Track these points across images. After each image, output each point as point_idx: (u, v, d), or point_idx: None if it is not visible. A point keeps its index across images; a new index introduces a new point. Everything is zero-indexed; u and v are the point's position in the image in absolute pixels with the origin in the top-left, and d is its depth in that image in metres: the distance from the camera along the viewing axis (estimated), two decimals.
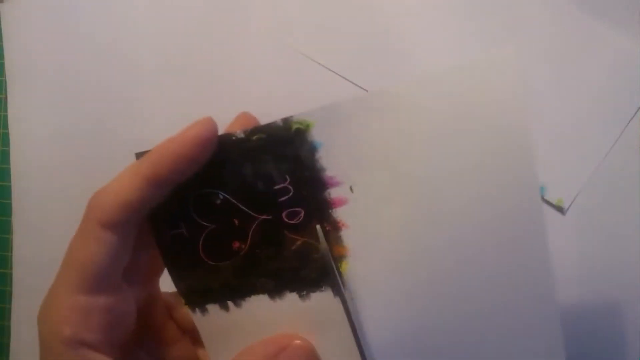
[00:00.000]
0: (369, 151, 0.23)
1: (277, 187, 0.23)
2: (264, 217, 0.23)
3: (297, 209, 0.23)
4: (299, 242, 0.24)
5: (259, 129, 0.22)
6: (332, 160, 0.23)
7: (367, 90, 0.36)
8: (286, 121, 0.22)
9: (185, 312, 0.26)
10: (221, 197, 0.23)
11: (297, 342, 0.23)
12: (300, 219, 0.23)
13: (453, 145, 0.22)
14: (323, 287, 0.24)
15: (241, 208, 0.23)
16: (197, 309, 0.25)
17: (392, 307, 0.24)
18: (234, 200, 0.23)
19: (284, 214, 0.23)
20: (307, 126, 0.23)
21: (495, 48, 0.21)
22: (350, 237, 0.23)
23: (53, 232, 0.39)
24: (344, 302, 0.23)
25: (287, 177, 0.23)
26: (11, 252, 0.40)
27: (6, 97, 0.38)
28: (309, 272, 0.24)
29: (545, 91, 0.35)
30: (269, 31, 0.37)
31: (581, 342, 0.35)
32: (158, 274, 0.26)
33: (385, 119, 0.22)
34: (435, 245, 0.23)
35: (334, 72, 0.36)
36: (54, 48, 0.38)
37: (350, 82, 0.36)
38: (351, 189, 0.23)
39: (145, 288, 0.26)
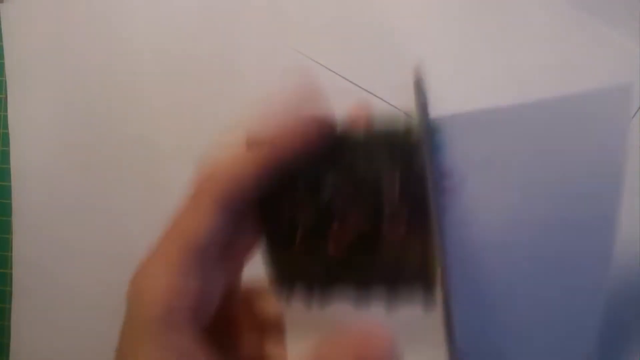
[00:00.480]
0: (484, 156, 0.25)
1: (386, 193, 0.23)
2: (366, 224, 0.23)
3: (401, 217, 0.23)
4: (396, 253, 0.23)
5: (378, 132, 0.23)
6: (450, 156, 0.25)
7: (366, 90, 0.36)
8: (409, 123, 0.22)
9: (261, 307, 0.26)
10: (329, 194, 0.23)
11: (378, 336, 0.22)
12: (404, 229, 0.23)
13: (556, 166, 0.25)
14: (413, 303, 0.23)
15: (345, 210, 0.23)
16: (282, 298, 0.25)
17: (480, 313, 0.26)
18: (339, 200, 0.23)
19: (386, 223, 0.23)
20: (436, 128, 0.25)
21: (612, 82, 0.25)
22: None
23: (53, 231, 0.39)
24: (448, 316, 0.23)
25: (398, 183, 0.23)
26: (11, 252, 0.39)
27: (6, 97, 0.38)
28: (401, 286, 0.23)
29: (546, 92, 0.35)
30: (270, 31, 0.37)
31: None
32: (246, 261, 0.26)
33: (505, 133, 0.25)
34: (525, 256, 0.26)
35: (335, 72, 0.36)
36: (54, 48, 0.38)
37: (351, 82, 0.36)
38: (460, 183, 0.25)
39: (232, 274, 0.25)
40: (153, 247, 0.24)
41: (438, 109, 0.36)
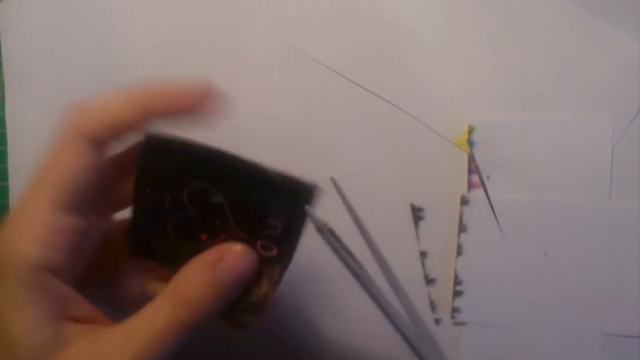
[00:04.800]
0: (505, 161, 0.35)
1: (270, 220, 0.24)
2: (242, 234, 0.24)
3: (273, 246, 0.24)
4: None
5: (283, 174, 0.23)
6: (484, 157, 0.35)
7: (367, 89, 0.36)
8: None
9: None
10: (218, 199, 0.24)
11: (237, 247, 0.24)
12: (272, 255, 0.24)
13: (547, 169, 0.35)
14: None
15: (228, 217, 0.24)
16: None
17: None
18: (226, 208, 0.24)
19: (258, 244, 0.24)
20: (472, 129, 0.34)
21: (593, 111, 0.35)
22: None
23: None
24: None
25: (282, 219, 0.24)
26: None
27: (4, 97, 0.38)
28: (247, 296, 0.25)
29: (546, 91, 0.35)
30: (270, 30, 0.37)
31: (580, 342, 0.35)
32: (121, 207, 0.26)
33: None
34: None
35: (335, 71, 0.36)
36: (52, 47, 0.38)
37: (351, 81, 0.36)
38: (487, 177, 0.35)
39: (107, 220, 0.26)
40: (23, 196, 0.23)
41: (439, 108, 0.37)
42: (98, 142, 0.22)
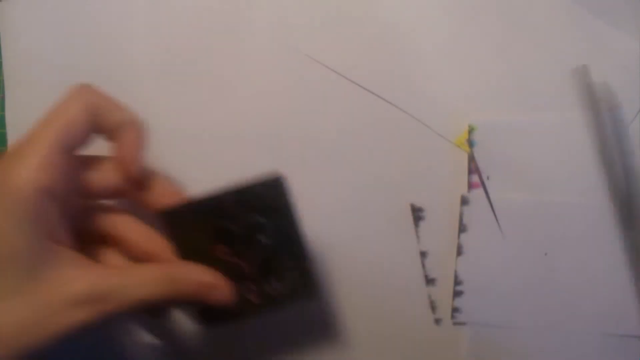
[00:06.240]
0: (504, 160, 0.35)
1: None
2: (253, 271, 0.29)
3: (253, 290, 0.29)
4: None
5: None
6: (484, 157, 0.35)
7: (367, 89, 0.36)
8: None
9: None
10: (264, 242, 0.28)
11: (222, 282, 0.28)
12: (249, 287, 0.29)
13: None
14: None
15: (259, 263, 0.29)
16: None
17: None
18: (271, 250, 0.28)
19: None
20: (472, 129, 0.35)
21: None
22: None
23: None
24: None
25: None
26: None
27: (4, 97, 0.38)
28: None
29: (546, 91, 0.35)
30: (270, 30, 0.37)
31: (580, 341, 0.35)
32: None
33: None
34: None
35: (335, 71, 0.36)
36: (53, 47, 0.38)
37: (351, 81, 0.36)
38: (487, 177, 0.35)
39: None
40: (27, 133, 0.26)
41: (440, 107, 0.37)
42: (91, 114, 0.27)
